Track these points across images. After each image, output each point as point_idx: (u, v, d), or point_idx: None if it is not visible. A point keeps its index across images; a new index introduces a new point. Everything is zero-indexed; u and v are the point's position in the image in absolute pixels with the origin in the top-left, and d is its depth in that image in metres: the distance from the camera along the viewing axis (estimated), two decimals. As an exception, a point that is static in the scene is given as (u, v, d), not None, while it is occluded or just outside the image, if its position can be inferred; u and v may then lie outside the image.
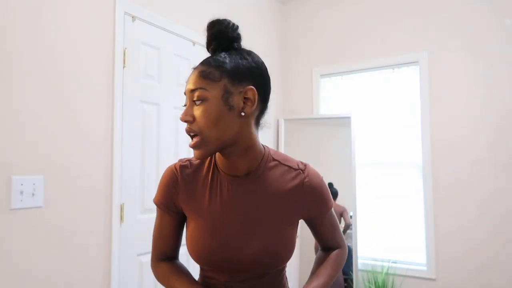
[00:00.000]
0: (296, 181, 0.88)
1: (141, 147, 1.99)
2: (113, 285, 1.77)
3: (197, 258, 0.86)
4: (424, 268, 2.75)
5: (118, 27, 1.86)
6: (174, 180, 0.90)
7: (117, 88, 1.84)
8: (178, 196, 0.90)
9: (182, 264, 0.96)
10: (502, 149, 2.53)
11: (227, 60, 0.80)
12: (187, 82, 0.82)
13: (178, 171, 0.90)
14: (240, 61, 0.81)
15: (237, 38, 0.84)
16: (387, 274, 2.80)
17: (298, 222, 0.91)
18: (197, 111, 0.78)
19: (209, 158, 0.91)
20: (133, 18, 1.96)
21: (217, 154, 0.88)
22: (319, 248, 1.04)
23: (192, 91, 0.79)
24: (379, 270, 2.84)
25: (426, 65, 2.80)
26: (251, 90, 0.80)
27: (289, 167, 0.90)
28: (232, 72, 0.79)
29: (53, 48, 1.58)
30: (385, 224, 2.94)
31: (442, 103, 2.74)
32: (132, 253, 1.90)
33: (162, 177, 0.93)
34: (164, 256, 0.94)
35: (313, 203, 0.90)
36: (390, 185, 2.94)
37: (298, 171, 0.89)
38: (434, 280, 2.69)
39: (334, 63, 3.19)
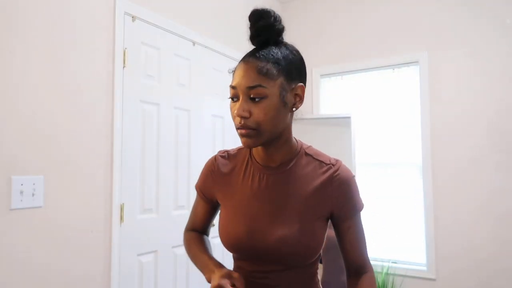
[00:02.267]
0: (326, 175, 0.88)
1: (141, 147, 1.98)
2: (113, 285, 1.77)
3: (224, 243, 0.91)
4: (424, 268, 2.75)
5: (118, 27, 1.85)
6: (211, 169, 0.98)
7: (117, 88, 1.84)
8: (213, 185, 0.97)
9: (206, 238, 1.05)
10: (502, 149, 2.53)
11: (281, 56, 0.82)
12: (237, 75, 0.81)
13: (216, 161, 0.98)
14: (291, 57, 0.84)
15: (283, 30, 0.85)
16: (387, 274, 2.80)
17: (326, 219, 0.89)
18: (256, 108, 0.79)
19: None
20: (133, 18, 1.95)
21: None
22: (346, 274, 0.97)
23: (251, 88, 0.79)
24: (379, 270, 2.84)
25: (426, 65, 2.80)
26: (301, 88, 0.85)
27: (321, 161, 0.91)
28: (287, 70, 0.82)
29: (53, 48, 1.58)
30: (385, 224, 2.94)
31: (442, 103, 2.74)
32: (132, 253, 1.89)
33: (204, 166, 1.02)
34: (194, 228, 1.06)
35: (341, 199, 0.88)
36: (390, 185, 2.94)
37: (329, 165, 0.89)
38: (434, 280, 2.69)
39: (334, 63, 3.19)
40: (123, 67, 1.89)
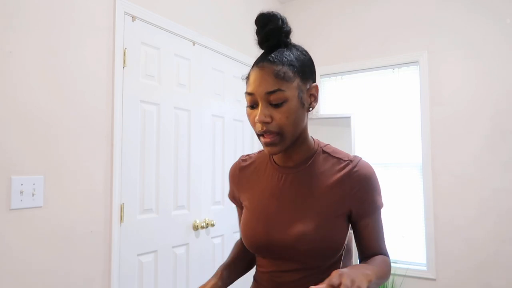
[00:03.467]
0: (344, 172, 0.87)
1: (141, 147, 1.98)
2: (113, 285, 1.77)
3: (245, 242, 0.93)
4: (424, 268, 2.75)
5: (118, 27, 1.85)
6: (234, 174, 1.02)
7: (117, 88, 1.84)
8: (236, 188, 1.01)
9: (244, 247, 1.04)
10: (501, 148, 2.53)
11: (294, 58, 0.83)
12: (253, 81, 0.81)
13: (237, 166, 1.02)
14: (303, 58, 0.85)
15: (290, 31, 0.87)
16: (387, 274, 2.79)
17: (347, 216, 0.88)
18: (277, 112, 0.80)
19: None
20: (133, 18, 1.95)
21: None
22: (359, 260, 0.95)
23: (270, 93, 0.79)
24: (379, 270, 2.83)
25: (426, 65, 2.80)
26: (316, 87, 0.86)
27: (339, 158, 0.90)
28: (301, 71, 0.83)
29: (53, 48, 1.58)
30: (385, 224, 2.93)
31: (442, 103, 2.74)
32: (132, 253, 1.89)
33: (229, 173, 1.06)
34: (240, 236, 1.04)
35: (360, 195, 0.86)
36: (390, 185, 2.94)
37: (347, 162, 0.89)
38: (434, 280, 2.69)
39: (334, 63, 3.19)
40: (123, 67, 1.89)
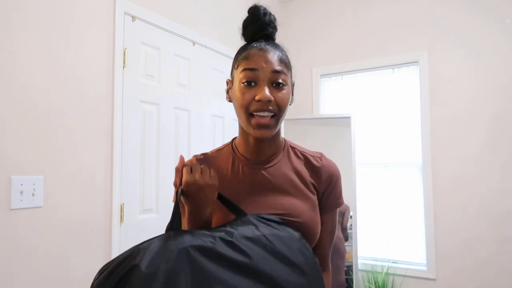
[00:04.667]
0: (315, 167, 0.91)
1: (141, 147, 1.98)
2: (113, 285, 1.77)
3: None
4: (424, 268, 2.75)
5: (118, 27, 1.85)
6: None
7: (117, 88, 1.84)
8: None
9: None
10: (501, 148, 2.53)
11: (285, 53, 0.86)
12: (257, 59, 0.80)
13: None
14: (287, 55, 0.88)
15: (277, 29, 0.89)
16: (387, 274, 2.80)
17: (318, 207, 0.89)
18: (279, 93, 0.81)
19: (226, 147, 0.95)
20: (133, 18, 1.95)
21: (239, 141, 0.91)
22: None
23: (277, 72, 0.80)
24: (379, 270, 2.84)
25: (426, 65, 2.80)
26: (293, 85, 0.90)
27: (306, 154, 0.93)
28: (290, 66, 0.87)
29: (53, 48, 1.58)
30: (385, 224, 2.94)
31: (441, 103, 2.74)
32: (132, 253, 1.89)
33: None
34: None
35: (328, 190, 0.90)
36: (390, 184, 2.94)
37: (315, 157, 0.92)
38: (434, 280, 2.69)
39: (334, 63, 3.19)
40: (123, 67, 1.89)
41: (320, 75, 3.25)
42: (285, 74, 0.82)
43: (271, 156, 0.89)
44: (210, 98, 2.46)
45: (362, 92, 3.11)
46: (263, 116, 0.80)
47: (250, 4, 0.87)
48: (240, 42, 0.90)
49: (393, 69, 2.99)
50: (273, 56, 0.81)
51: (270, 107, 0.79)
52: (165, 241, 0.65)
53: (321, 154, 0.94)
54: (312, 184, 0.89)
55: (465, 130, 2.65)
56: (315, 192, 0.89)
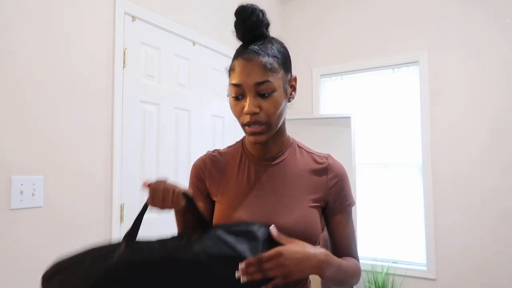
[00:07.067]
0: (321, 167, 0.91)
1: (141, 147, 1.98)
2: (113, 285, 1.77)
3: None
4: (424, 268, 2.75)
5: (118, 27, 1.85)
6: (203, 166, 0.96)
7: (117, 88, 1.84)
8: (207, 180, 0.95)
9: None
10: (501, 148, 2.53)
11: (276, 50, 0.84)
12: (240, 73, 0.81)
13: (208, 158, 0.97)
14: (283, 50, 0.86)
15: (269, 24, 0.87)
16: (387, 274, 2.80)
17: (321, 209, 0.91)
18: (266, 102, 0.81)
19: (237, 143, 0.98)
20: (133, 18, 1.95)
21: (247, 139, 0.92)
22: None
23: (260, 84, 0.80)
24: (379, 270, 2.84)
25: (426, 65, 2.80)
26: (295, 78, 0.89)
27: (314, 154, 0.95)
28: (284, 62, 0.85)
29: (53, 48, 1.58)
30: (385, 224, 2.94)
31: (442, 103, 2.74)
32: (132, 253, 1.89)
33: (192, 167, 0.98)
34: None
35: (336, 191, 0.90)
36: (390, 185, 2.94)
37: (322, 158, 0.94)
38: (434, 280, 2.69)
39: (334, 63, 3.19)
40: (123, 67, 1.89)
41: (320, 75, 3.25)
42: (269, 81, 0.80)
43: (278, 153, 0.91)
44: (210, 98, 2.46)
45: (362, 92, 3.11)
46: (254, 126, 0.82)
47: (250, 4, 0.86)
48: (240, 42, 0.90)
49: (393, 69, 2.99)
50: (257, 65, 0.80)
51: (259, 119, 0.81)
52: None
53: (329, 155, 0.95)
54: (317, 184, 0.89)
55: (465, 130, 2.65)
56: (318, 192, 0.89)
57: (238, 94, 0.82)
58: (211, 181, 0.95)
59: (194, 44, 2.35)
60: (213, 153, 0.98)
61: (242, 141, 0.99)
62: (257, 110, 0.80)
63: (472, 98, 2.64)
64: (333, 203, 0.91)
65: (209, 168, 0.96)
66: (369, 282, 2.84)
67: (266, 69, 0.80)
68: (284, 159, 0.91)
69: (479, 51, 2.63)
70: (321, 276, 0.77)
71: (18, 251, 1.44)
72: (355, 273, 0.89)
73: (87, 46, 1.72)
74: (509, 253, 2.46)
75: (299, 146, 0.95)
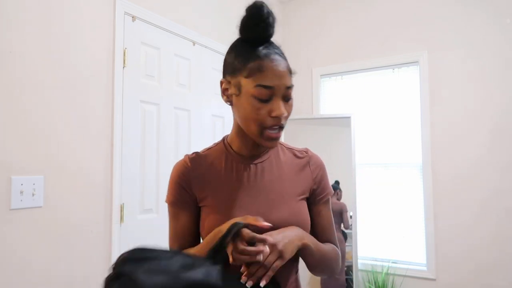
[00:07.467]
0: (303, 160, 0.95)
1: (141, 147, 1.98)
2: (113, 285, 1.77)
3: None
4: (424, 268, 2.75)
5: (118, 27, 1.85)
6: (185, 172, 0.92)
7: (117, 88, 1.84)
8: (192, 186, 0.91)
9: None
10: (501, 148, 2.53)
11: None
12: (274, 75, 0.78)
13: (189, 162, 0.92)
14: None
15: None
16: (387, 274, 2.80)
17: (306, 199, 0.93)
18: (288, 107, 0.83)
19: (217, 145, 0.96)
20: (133, 18, 1.95)
21: (233, 138, 0.92)
22: None
23: (288, 88, 0.81)
24: (379, 270, 2.84)
25: (426, 65, 2.80)
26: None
27: (294, 150, 0.98)
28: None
29: (53, 48, 1.58)
30: (385, 224, 2.94)
31: (442, 103, 2.74)
32: (132, 253, 1.89)
33: (172, 173, 0.95)
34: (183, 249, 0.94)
35: (318, 182, 0.94)
36: (390, 184, 2.94)
37: (301, 152, 0.97)
38: (434, 280, 2.69)
39: (334, 63, 3.19)
40: (123, 67, 1.89)
41: (320, 75, 3.25)
42: (293, 86, 0.83)
43: (264, 151, 0.93)
44: (210, 98, 2.46)
45: (362, 92, 3.11)
46: (275, 130, 0.82)
47: (250, 4, 0.84)
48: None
49: (393, 69, 2.99)
50: (284, 68, 0.80)
51: (282, 123, 0.82)
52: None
53: (307, 148, 0.99)
54: (302, 177, 0.93)
55: (465, 130, 2.65)
56: (304, 184, 0.92)
57: (268, 97, 0.79)
58: (197, 186, 0.90)
59: (194, 44, 2.35)
60: (192, 156, 0.93)
61: (223, 142, 0.95)
62: (286, 113, 0.81)
63: (472, 98, 2.64)
64: (315, 193, 0.94)
65: (192, 172, 0.91)
66: (369, 282, 2.84)
67: (290, 73, 0.82)
68: (269, 156, 0.93)
69: (479, 51, 2.63)
70: (305, 247, 0.82)
71: (18, 251, 1.44)
72: (335, 256, 0.94)
73: (87, 46, 1.72)
74: (509, 253, 2.46)
75: (279, 143, 0.97)
